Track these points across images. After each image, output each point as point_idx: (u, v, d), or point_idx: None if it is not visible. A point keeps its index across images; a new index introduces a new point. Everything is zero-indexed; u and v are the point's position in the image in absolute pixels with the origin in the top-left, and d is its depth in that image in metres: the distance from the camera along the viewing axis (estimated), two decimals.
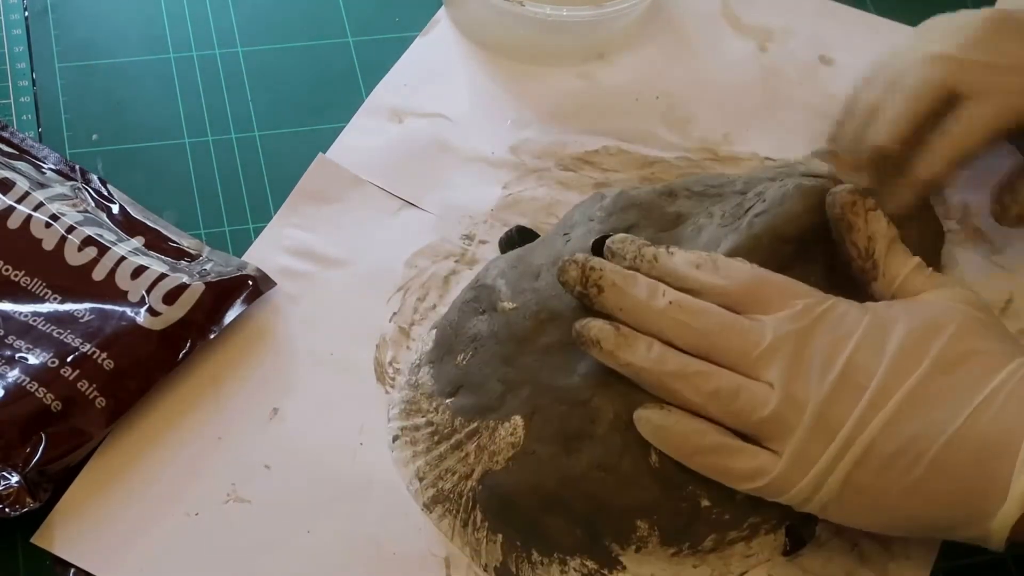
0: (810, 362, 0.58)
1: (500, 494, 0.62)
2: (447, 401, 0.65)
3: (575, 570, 0.61)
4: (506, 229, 0.73)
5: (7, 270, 0.66)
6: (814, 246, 0.64)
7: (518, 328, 0.64)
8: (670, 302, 0.60)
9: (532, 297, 0.65)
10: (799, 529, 0.63)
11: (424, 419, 0.65)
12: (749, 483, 0.59)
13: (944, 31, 0.69)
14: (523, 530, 0.62)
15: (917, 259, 0.62)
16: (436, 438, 0.64)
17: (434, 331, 0.68)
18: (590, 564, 0.62)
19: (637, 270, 0.62)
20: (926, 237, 0.70)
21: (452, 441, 0.64)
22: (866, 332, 0.58)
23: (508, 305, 0.65)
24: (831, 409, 0.57)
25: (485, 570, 0.62)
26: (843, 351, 0.58)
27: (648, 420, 0.60)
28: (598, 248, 0.65)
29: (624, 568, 0.62)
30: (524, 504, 0.62)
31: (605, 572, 0.62)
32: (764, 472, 0.58)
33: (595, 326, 0.61)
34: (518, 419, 0.62)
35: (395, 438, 0.65)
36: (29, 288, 0.66)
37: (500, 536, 0.62)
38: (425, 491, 0.63)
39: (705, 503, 0.61)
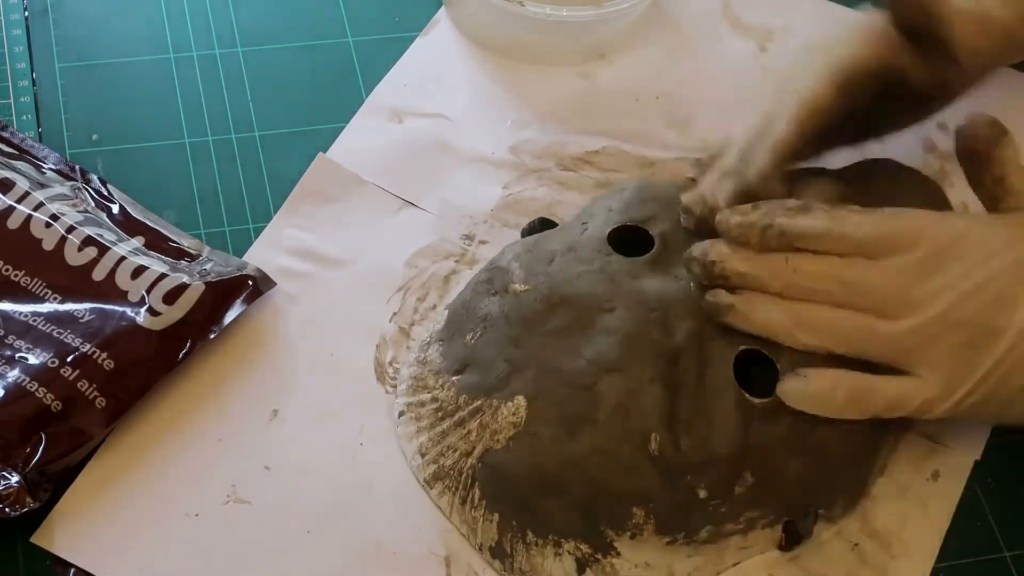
0: (944, 293, 0.59)
1: (499, 473, 0.62)
2: (453, 379, 0.65)
3: (569, 553, 0.61)
4: (520, 225, 0.73)
5: (7, 270, 0.66)
6: None
7: (528, 310, 0.65)
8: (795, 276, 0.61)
9: (544, 281, 0.65)
10: (797, 525, 0.63)
11: (430, 395, 0.65)
12: (896, 412, 0.60)
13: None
14: (519, 510, 0.62)
15: None
16: (440, 415, 0.64)
17: (446, 310, 0.68)
18: (584, 548, 0.62)
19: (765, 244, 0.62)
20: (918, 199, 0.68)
21: (455, 418, 0.64)
22: (992, 251, 0.59)
23: (520, 287, 0.65)
24: (971, 328, 0.59)
25: (480, 550, 0.62)
26: (975, 274, 0.59)
27: (791, 394, 0.61)
28: (612, 237, 0.66)
29: (618, 554, 0.62)
30: (522, 484, 0.62)
31: (599, 556, 0.62)
32: (910, 400, 0.60)
33: (723, 297, 0.62)
34: (521, 399, 0.62)
35: (400, 413, 0.66)
36: (29, 288, 0.66)
37: (497, 515, 0.62)
38: (426, 467, 0.64)
39: (703, 494, 0.61)
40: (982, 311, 0.59)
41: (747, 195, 0.64)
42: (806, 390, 0.61)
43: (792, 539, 0.63)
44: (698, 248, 0.63)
